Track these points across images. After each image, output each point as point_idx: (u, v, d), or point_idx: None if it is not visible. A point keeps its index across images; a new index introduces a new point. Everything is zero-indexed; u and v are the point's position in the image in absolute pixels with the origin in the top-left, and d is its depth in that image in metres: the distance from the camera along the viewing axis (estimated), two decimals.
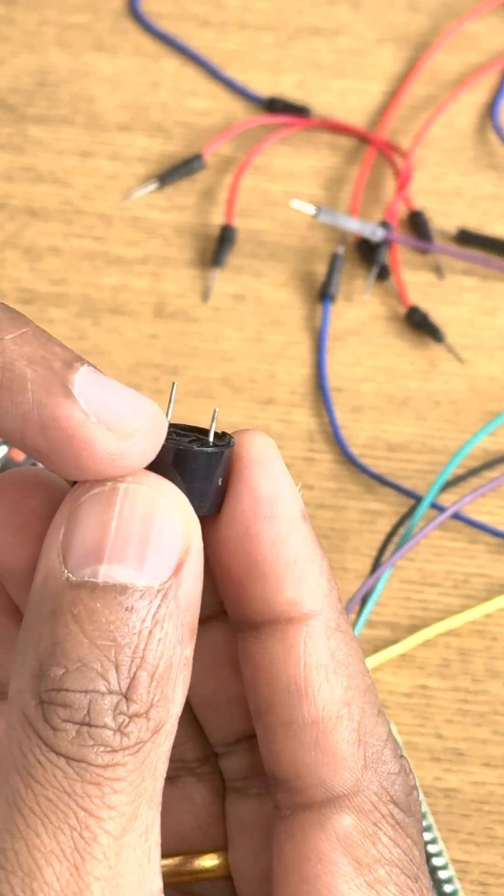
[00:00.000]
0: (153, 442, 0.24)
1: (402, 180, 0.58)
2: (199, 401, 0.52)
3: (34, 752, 0.22)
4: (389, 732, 0.26)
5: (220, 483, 0.25)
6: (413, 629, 0.47)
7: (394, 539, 0.48)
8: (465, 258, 0.56)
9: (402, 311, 0.55)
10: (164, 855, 0.24)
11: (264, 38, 0.64)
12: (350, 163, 0.60)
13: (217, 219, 0.58)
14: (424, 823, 0.43)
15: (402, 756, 0.26)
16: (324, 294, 0.55)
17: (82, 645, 0.23)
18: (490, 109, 0.62)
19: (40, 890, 0.22)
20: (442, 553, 0.49)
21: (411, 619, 0.48)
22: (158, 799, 0.24)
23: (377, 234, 0.56)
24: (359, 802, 0.25)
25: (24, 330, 0.24)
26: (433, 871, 0.42)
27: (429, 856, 0.43)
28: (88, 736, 0.22)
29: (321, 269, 0.56)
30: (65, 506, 0.24)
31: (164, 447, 0.24)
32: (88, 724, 0.22)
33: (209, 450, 0.25)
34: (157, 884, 0.23)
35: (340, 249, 0.56)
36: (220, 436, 0.26)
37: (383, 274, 0.56)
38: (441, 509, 0.48)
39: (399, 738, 0.45)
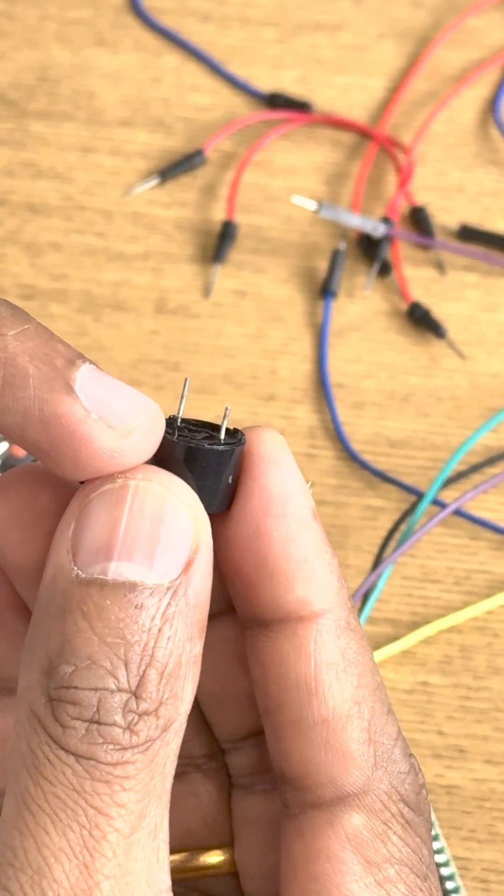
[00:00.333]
0: (153, 440, 0.24)
1: (404, 176, 0.58)
2: (200, 397, 0.52)
3: (43, 750, 0.22)
4: (399, 731, 0.26)
5: (230, 481, 0.25)
6: (414, 626, 0.47)
7: (395, 535, 0.48)
8: (467, 254, 0.56)
9: (404, 307, 0.55)
10: (171, 851, 0.24)
11: (266, 33, 0.63)
12: (351, 158, 0.60)
13: (218, 214, 0.57)
14: None
15: (411, 755, 0.26)
16: (325, 290, 0.55)
17: (91, 642, 0.23)
18: (492, 105, 0.61)
19: (49, 888, 0.22)
20: (443, 549, 0.49)
21: (413, 615, 0.48)
22: (167, 797, 0.23)
23: (379, 229, 0.56)
24: (369, 801, 0.25)
25: (27, 326, 0.24)
26: None
27: None
28: (98, 734, 0.22)
29: (322, 265, 0.56)
30: (74, 503, 0.24)
31: (175, 444, 0.24)
32: (98, 722, 0.22)
33: (220, 448, 0.25)
34: (166, 882, 0.23)
35: (342, 245, 0.56)
36: (232, 432, 0.26)
37: (385, 270, 0.56)
38: (442, 506, 0.48)
39: None
